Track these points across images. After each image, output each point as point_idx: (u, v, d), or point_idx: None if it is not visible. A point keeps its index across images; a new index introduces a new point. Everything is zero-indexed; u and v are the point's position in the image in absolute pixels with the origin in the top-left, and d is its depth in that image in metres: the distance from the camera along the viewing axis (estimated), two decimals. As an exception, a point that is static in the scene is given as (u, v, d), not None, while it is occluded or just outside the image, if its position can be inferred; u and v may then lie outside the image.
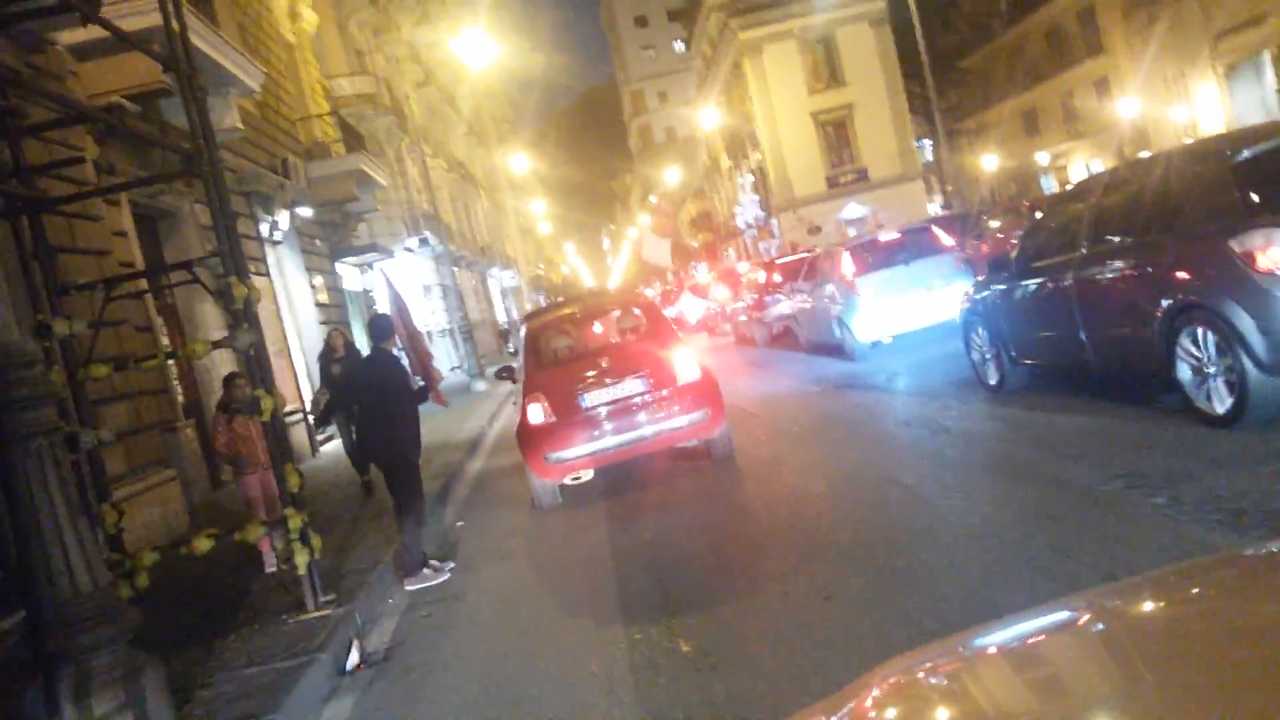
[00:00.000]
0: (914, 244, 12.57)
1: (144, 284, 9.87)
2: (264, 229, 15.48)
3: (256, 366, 6.06)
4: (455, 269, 34.34)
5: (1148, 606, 1.57)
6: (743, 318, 19.92)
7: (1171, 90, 36.09)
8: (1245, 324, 5.43)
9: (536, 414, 7.86)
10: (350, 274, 20.81)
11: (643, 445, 7.90)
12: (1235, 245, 5.44)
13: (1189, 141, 11.20)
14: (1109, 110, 41.85)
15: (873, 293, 12.18)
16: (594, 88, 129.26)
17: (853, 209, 41.77)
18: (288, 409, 14.06)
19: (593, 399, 7.86)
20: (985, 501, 5.56)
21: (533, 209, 74.70)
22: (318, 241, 18.46)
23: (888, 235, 13.27)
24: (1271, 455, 5.15)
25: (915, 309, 11.81)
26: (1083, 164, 43.93)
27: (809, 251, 19.24)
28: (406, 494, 6.60)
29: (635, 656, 4.38)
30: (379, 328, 6.92)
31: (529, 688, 4.37)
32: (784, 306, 16.58)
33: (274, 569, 6.89)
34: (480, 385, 21.81)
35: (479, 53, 26.58)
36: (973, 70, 50.37)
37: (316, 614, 5.58)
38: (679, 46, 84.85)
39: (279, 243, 16.40)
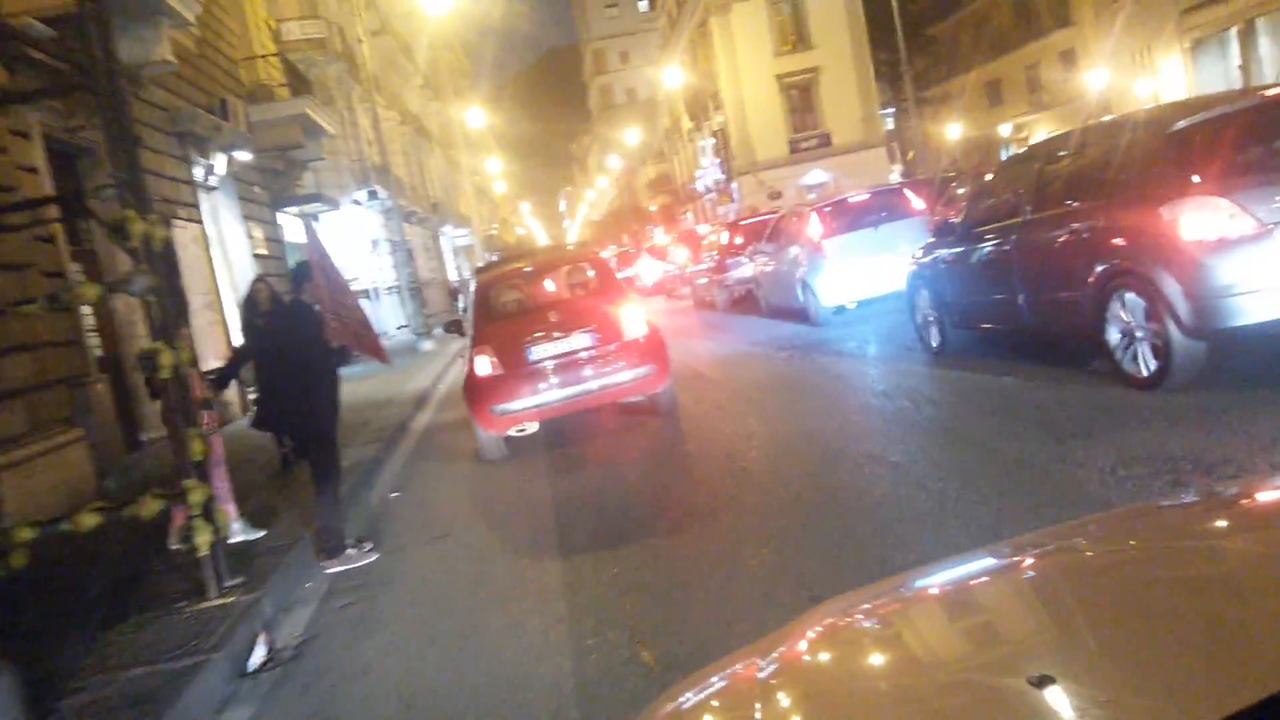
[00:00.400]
0: (884, 206, 12.02)
1: (52, 224, 8.97)
2: (198, 173, 14.50)
3: (159, 315, 5.29)
4: (406, 225, 33.30)
5: (1073, 552, 1.61)
6: (702, 280, 19.28)
7: (1137, 63, 35.93)
8: (1172, 289, 5.62)
9: (484, 366, 7.93)
10: (293, 225, 19.81)
11: (588, 399, 8.01)
12: (1166, 213, 5.63)
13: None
14: (1074, 82, 41.66)
15: (840, 256, 11.63)
16: (555, 47, 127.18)
17: (815, 174, 41.18)
18: (215, 365, 13.21)
19: (540, 352, 7.92)
20: (904, 457, 5.83)
21: (489, 167, 73.26)
22: (257, 189, 17.47)
23: (857, 196, 12.69)
24: (1188, 416, 5.36)
25: (883, 274, 11.03)
26: (1045, 135, 43.49)
27: (773, 213, 18.62)
28: (323, 466, 5.91)
29: (588, 668, 3.75)
30: (299, 273, 6.13)
31: (460, 701, 3.73)
32: (746, 269, 16.00)
33: (177, 546, 6.19)
34: (427, 344, 20.99)
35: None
36: (939, 38, 49.89)
37: (219, 602, 4.88)
38: (643, 6, 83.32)
39: (214, 188, 15.42)
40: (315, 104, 18.65)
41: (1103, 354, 6.43)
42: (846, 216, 12.02)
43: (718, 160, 47.01)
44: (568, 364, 7.92)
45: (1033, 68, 45.34)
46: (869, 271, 11.26)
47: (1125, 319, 6.11)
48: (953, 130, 44.52)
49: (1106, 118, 9.10)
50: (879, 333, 10.71)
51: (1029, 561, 1.61)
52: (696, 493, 6.14)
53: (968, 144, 46.24)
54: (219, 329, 13.77)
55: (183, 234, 12.90)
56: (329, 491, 5.82)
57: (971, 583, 1.62)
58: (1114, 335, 6.26)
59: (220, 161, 14.98)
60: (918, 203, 11.80)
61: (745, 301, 16.60)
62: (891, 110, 46.92)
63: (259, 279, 6.99)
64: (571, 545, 5.45)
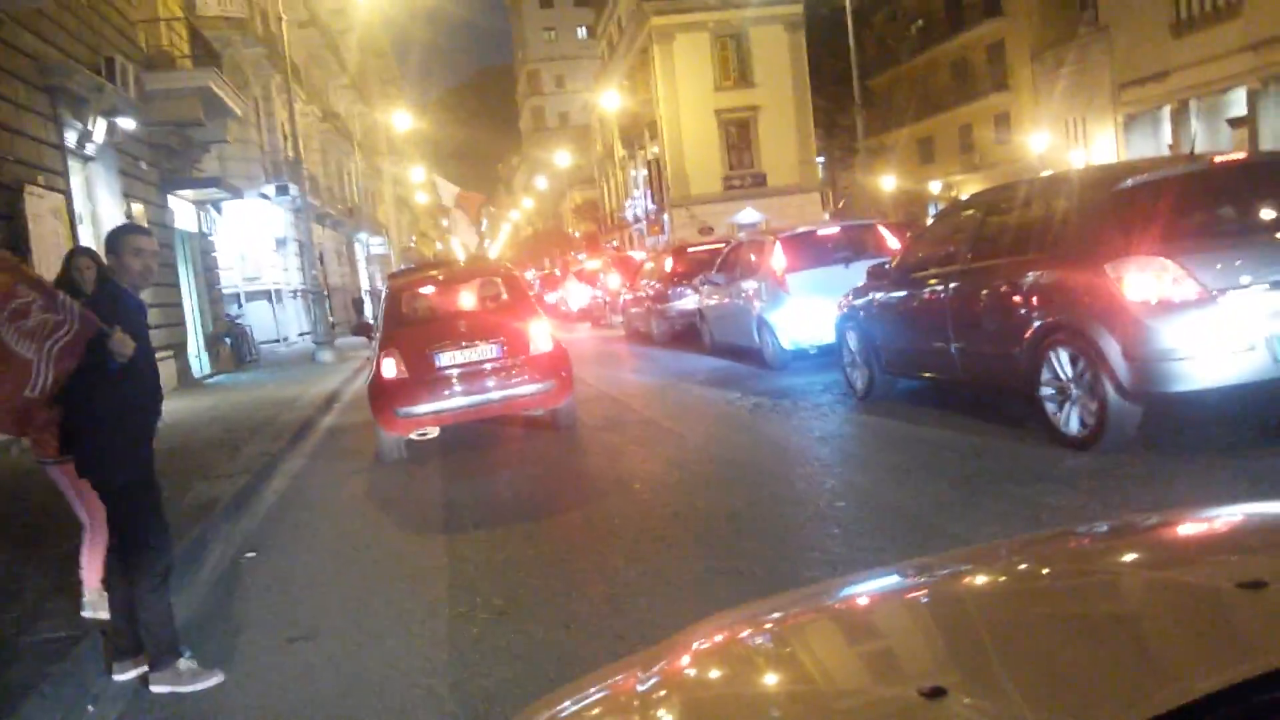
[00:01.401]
0: (854, 241, 10.77)
1: None
2: (70, 137, 12.51)
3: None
4: (317, 226, 31.19)
5: (976, 572, 1.63)
6: (637, 309, 17.80)
7: (1070, 133, 36.26)
8: (1111, 349, 5.53)
9: (389, 368, 8.00)
10: (185, 210, 17.74)
11: (489, 408, 8.18)
12: (1109, 271, 5.52)
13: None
14: (1006, 146, 41.96)
15: (804, 293, 10.32)
16: (489, 67, 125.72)
17: (748, 213, 40.41)
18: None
19: (446, 359, 8.03)
20: (789, 491, 5.78)
21: (412, 177, 71.07)
22: (143, 164, 15.43)
23: (826, 229, 11.43)
24: (1114, 479, 5.26)
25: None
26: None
27: (721, 242, 17.30)
28: (128, 534, 3.99)
29: None
30: (112, 241, 4.16)
31: None
32: (689, 301, 14.61)
33: (90, 615, 4.39)
34: (326, 355, 19.04)
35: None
36: (876, 91, 49.96)
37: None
38: (582, 33, 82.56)
39: (91, 158, 13.42)
40: (222, 80, 16.70)
41: (1036, 410, 6.28)
42: (813, 250, 10.74)
43: (649, 190, 45.97)
44: (473, 373, 8.06)
45: (966, 129, 45.65)
46: (834, 313, 9.93)
47: (1060, 376, 6.01)
48: (886, 182, 44.35)
49: (1047, 173, 9.04)
50: (832, 381, 9.52)
51: (927, 580, 1.62)
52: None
53: (900, 197, 46.17)
54: (77, 318, 11.75)
55: (40, 203, 10.94)
56: (140, 575, 3.91)
57: (865, 599, 1.62)
58: (1048, 392, 6.15)
59: (100, 128, 13.01)
60: (892, 241, 10.57)
61: (686, 336, 15.15)
62: (822, 159, 46.74)
63: (81, 251, 5.19)
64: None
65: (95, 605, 4.32)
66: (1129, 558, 1.60)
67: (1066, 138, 36.30)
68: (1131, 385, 5.49)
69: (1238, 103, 28.04)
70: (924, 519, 4.95)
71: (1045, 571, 1.59)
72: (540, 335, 8.40)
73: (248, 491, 7.30)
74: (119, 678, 4.00)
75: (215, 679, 3.89)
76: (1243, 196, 6.08)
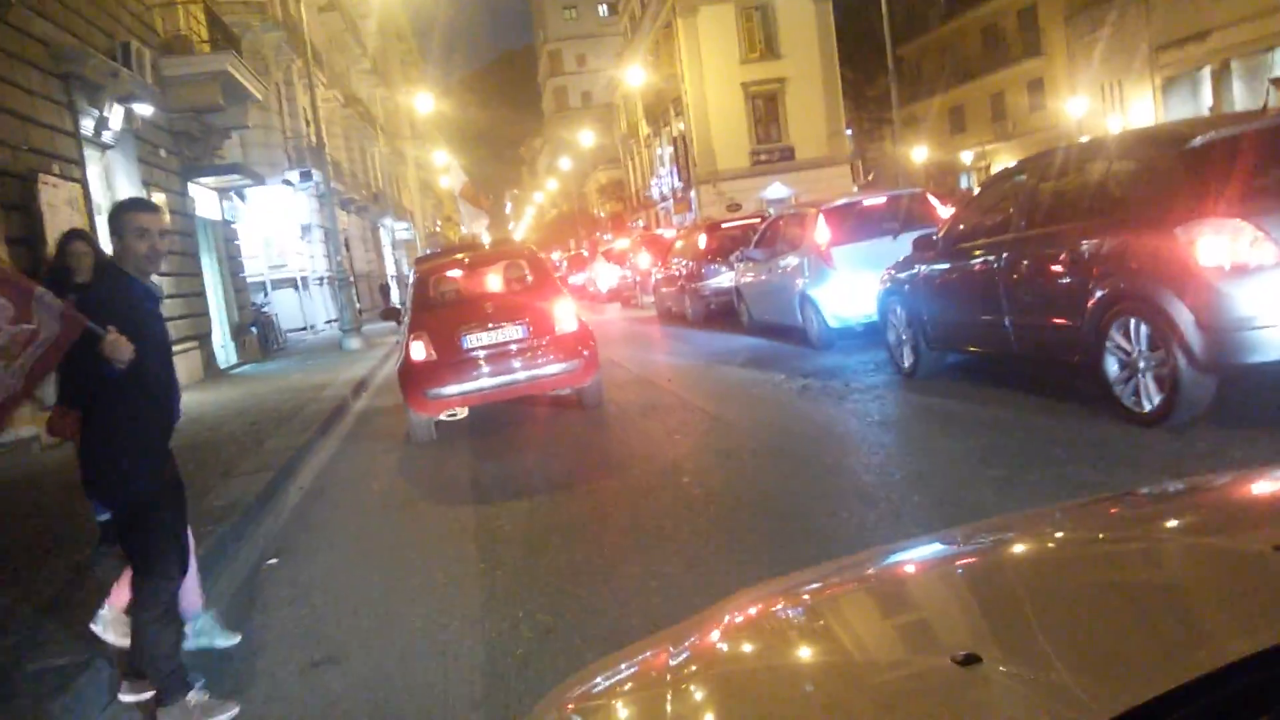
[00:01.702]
0: (902, 212, 10.19)
1: None
2: (86, 124, 12.18)
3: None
4: (342, 212, 30.90)
5: (1007, 544, 1.59)
6: (669, 289, 17.30)
7: (1107, 98, 35.24)
8: (1184, 318, 5.16)
9: (419, 351, 8.16)
10: (207, 198, 17.42)
11: (517, 388, 8.25)
12: (1181, 235, 5.16)
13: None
14: (1040, 113, 40.94)
15: (850, 267, 9.80)
16: (510, 50, 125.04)
17: (776, 188, 39.68)
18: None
19: (473, 340, 8.17)
20: (856, 489, 5.31)
21: (436, 160, 70.76)
22: (163, 152, 15.11)
23: (872, 199, 10.86)
24: (1192, 456, 4.94)
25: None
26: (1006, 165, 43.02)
27: (756, 217, 16.74)
28: (134, 558, 3.57)
29: None
30: (114, 220, 3.60)
31: None
32: (725, 278, 14.10)
33: (100, 630, 3.99)
34: (354, 343, 18.70)
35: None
36: (905, 60, 48.91)
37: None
38: (603, 11, 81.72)
39: (109, 146, 13.09)
40: (240, 63, 16.32)
41: (1098, 384, 5.88)
42: (858, 222, 10.19)
43: (675, 167, 45.32)
44: (500, 354, 8.18)
45: (998, 96, 44.61)
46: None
47: (1127, 348, 5.64)
48: (917, 153, 43.46)
49: (1085, 139, 8.46)
50: (880, 359, 9.06)
51: (961, 549, 1.61)
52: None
53: (931, 168, 45.26)
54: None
55: (55, 193, 10.61)
56: (142, 603, 3.48)
57: (900, 569, 1.59)
58: (1113, 365, 5.78)
59: (116, 114, 12.67)
60: (942, 211, 10.00)
61: (722, 315, 14.64)
62: (850, 130, 45.86)
63: (75, 235, 4.76)
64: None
65: (107, 624, 3.92)
66: (1165, 523, 1.58)
67: (1103, 103, 35.29)
68: (1205, 356, 5.12)
69: (1280, 60, 27.06)
70: (990, 510, 4.53)
71: (1081, 538, 1.57)
72: (565, 315, 8.55)
73: (272, 489, 6.93)
74: (125, 698, 3.61)
75: (229, 712, 3.47)
76: None
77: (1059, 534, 1.61)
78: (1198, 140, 5.38)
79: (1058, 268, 6.09)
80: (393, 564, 5.16)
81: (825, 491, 5.29)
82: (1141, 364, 5.55)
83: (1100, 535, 1.57)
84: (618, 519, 5.45)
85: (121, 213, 3.56)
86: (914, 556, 1.65)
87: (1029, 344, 6.61)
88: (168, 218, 3.41)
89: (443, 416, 8.37)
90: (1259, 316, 4.95)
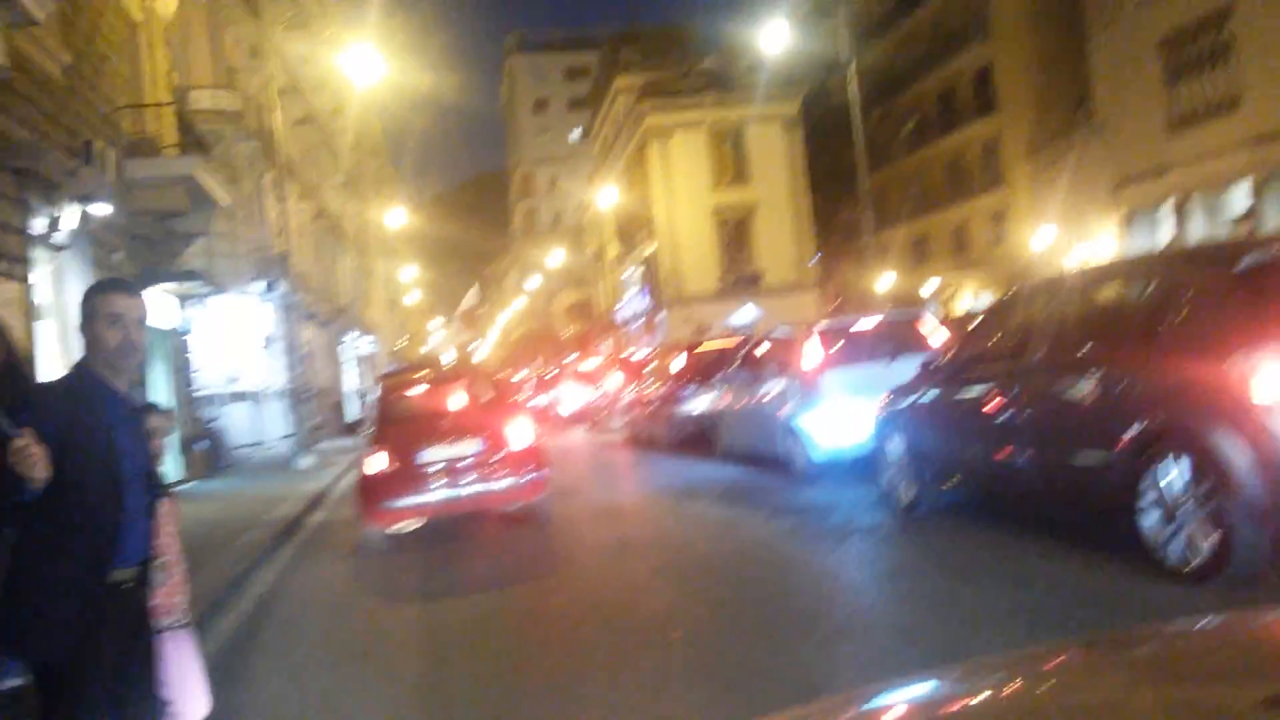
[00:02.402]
0: (897, 336, 9.77)
1: None
2: (37, 223, 11.59)
3: None
4: (306, 325, 30.28)
5: (1006, 684, 1.57)
6: (639, 412, 16.71)
7: (1069, 230, 35.95)
8: (1239, 461, 4.61)
9: (377, 463, 8.47)
10: (163, 304, 16.75)
11: (470, 502, 8.52)
12: (1235, 366, 4.68)
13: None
14: (1002, 245, 41.70)
15: (842, 393, 9.29)
16: (484, 173, 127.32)
17: (746, 311, 39.77)
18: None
19: (430, 455, 8.43)
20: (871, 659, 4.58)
21: (403, 277, 70.83)
22: (120, 255, 14.51)
23: (864, 322, 10.45)
24: None
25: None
26: (970, 295, 43.89)
27: (737, 339, 16.32)
28: None
29: None
30: (85, 304, 2.93)
31: None
32: (702, 402, 13.57)
33: None
34: (306, 461, 17.81)
35: (366, 75, 23.27)
36: (870, 190, 50.01)
37: None
38: (575, 135, 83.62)
39: (62, 247, 12.46)
40: (209, 170, 15.94)
41: (1131, 531, 5.24)
42: (851, 346, 9.76)
43: (644, 289, 45.44)
44: (455, 468, 8.44)
45: (961, 227, 45.51)
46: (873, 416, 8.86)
47: (1169, 491, 5.03)
48: (883, 280, 43.98)
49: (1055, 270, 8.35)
50: (874, 495, 8.40)
51: (944, 693, 1.59)
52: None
53: (896, 295, 45.76)
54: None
55: (-6, 293, 9.93)
56: None
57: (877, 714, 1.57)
58: (1151, 509, 5.16)
59: (72, 214, 12.10)
60: (938, 336, 9.59)
61: (695, 441, 14.01)
62: (817, 256, 46.50)
63: None
64: None
65: None
66: (1140, 672, 1.53)
67: (1066, 234, 36.00)
68: (1265, 502, 4.56)
69: (1240, 198, 27.76)
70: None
71: (1052, 688, 1.54)
72: (520, 433, 8.90)
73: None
74: None
75: None
76: None
77: (1026, 683, 1.55)
78: (1246, 261, 4.98)
79: (1083, 400, 5.59)
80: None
81: (837, 664, 4.57)
82: (1185, 511, 4.94)
83: (1072, 684, 1.53)
84: (597, 681, 4.69)
85: (94, 294, 2.90)
86: (892, 700, 1.61)
87: (1048, 484, 6.06)
88: (146, 307, 2.84)
89: (396, 529, 8.67)
90: None
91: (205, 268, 19.89)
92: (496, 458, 8.55)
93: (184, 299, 17.91)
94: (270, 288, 24.84)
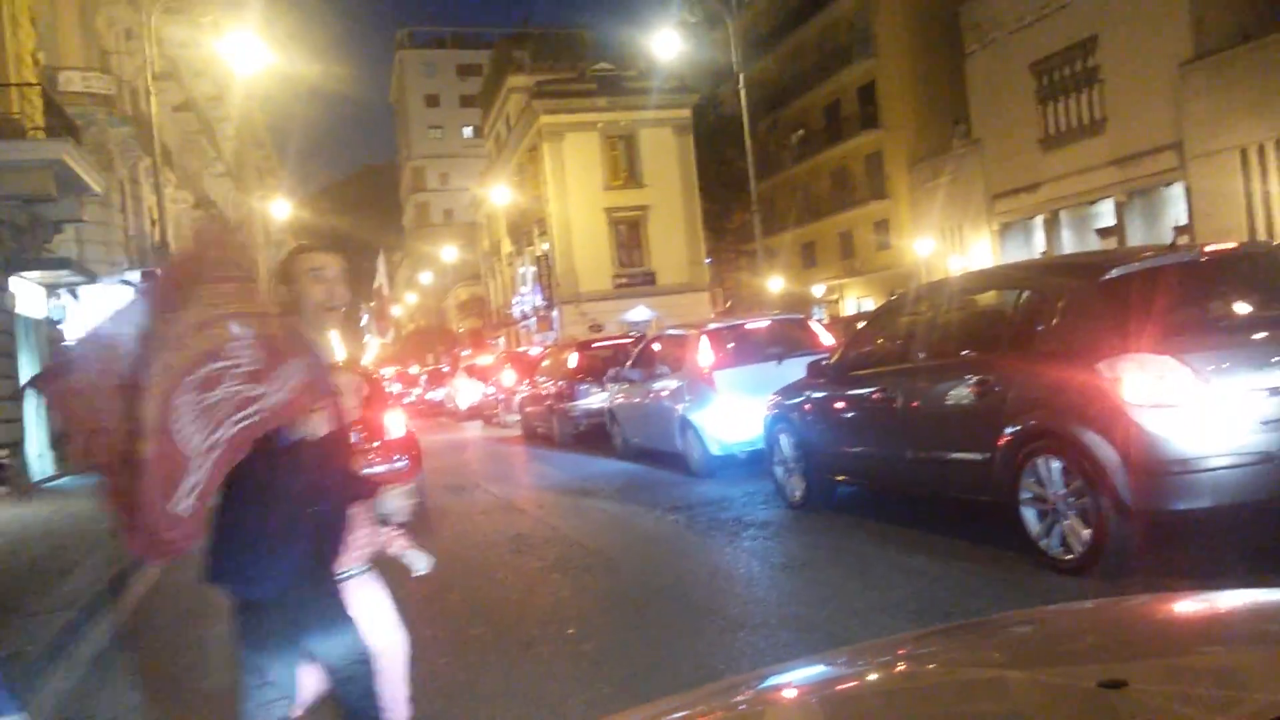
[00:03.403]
0: (784, 337, 10.01)
1: None
2: (-113, 205, 10.85)
3: None
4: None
5: (886, 667, 1.69)
6: (534, 408, 16.66)
7: (949, 239, 37.29)
8: (1108, 458, 4.88)
9: None
10: (32, 294, 15.89)
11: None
12: (1105, 370, 4.91)
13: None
14: (886, 251, 42.99)
15: (734, 391, 9.48)
16: (372, 165, 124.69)
17: (639, 311, 40.01)
18: None
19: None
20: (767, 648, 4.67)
21: (289, 270, 68.67)
22: (-20, 241, 13.71)
23: (754, 322, 10.66)
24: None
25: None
26: (854, 300, 45.13)
27: (627, 337, 16.42)
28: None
29: None
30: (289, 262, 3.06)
31: None
32: (597, 399, 13.61)
33: None
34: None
35: (249, 63, 22.51)
36: (761, 196, 50.92)
37: None
38: (468, 133, 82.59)
39: (-84, 231, 11.71)
40: (78, 154, 15.19)
41: (1010, 525, 5.51)
42: (742, 345, 9.96)
43: (538, 286, 45.25)
44: None
45: (847, 234, 46.70)
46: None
47: (1045, 489, 5.30)
48: (773, 284, 44.83)
49: (1044, 256, 8.60)
50: (767, 489, 8.62)
51: (871, 667, 1.69)
52: None
53: (786, 299, 46.70)
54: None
55: None
56: None
57: (823, 688, 1.64)
58: (1030, 507, 5.43)
59: (-73, 197, 11.37)
60: (826, 337, 9.86)
61: (591, 437, 14.05)
62: (710, 260, 47.10)
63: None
64: None
65: None
66: (993, 656, 1.63)
67: (945, 244, 37.32)
68: (1134, 500, 4.82)
69: (1106, 213, 29.32)
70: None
71: (912, 670, 1.64)
72: (395, 424, 9.73)
73: (69, 634, 5.80)
74: None
75: None
76: (1238, 288, 5.57)
77: (890, 667, 1.67)
78: (1115, 272, 5.26)
79: (964, 401, 5.82)
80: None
81: (734, 651, 4.68)
82: (1061, 507, 5.21)
83: (930, 668, 1.63)
84: (490, 679, 4.68)
85: (293, 256, 3.03)
86: (786, 681, 1.69)
87: (932, 481, 6.28)
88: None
89: None
90: (1191, 459, 4.71)
91: (76, 256, 18.93)
92: (375, 445, 9.23)
93: (52, 289, 17.01)
94: (146, 277, 23.82)
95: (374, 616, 3.31)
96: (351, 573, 3.26)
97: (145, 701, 4.82)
